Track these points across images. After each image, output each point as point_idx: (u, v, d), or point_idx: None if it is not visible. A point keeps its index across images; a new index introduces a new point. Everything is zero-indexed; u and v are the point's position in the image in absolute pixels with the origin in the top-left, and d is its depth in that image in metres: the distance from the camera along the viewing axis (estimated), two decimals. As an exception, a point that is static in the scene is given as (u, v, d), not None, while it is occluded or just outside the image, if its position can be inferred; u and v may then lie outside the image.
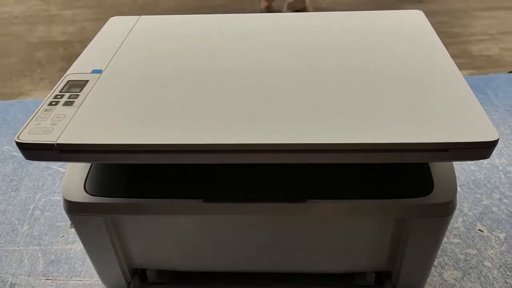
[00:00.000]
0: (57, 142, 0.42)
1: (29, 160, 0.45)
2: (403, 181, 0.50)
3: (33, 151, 0.44)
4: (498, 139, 0.41)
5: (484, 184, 0.76)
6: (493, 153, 0.83)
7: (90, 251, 0.56)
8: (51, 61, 1.93)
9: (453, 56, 0.49)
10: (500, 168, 0.79)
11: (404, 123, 0.43)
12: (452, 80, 0.48)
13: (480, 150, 0.42)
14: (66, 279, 0.63)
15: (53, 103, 0.48)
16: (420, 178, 0.50)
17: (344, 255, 0.57)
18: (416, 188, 0.49)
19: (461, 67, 0.47)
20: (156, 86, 0.50)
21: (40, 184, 0.80)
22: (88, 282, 0.62)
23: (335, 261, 0.58)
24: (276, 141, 0.41)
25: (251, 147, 0.41)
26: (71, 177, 0.52)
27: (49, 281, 0.62)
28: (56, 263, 0.65)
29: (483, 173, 0.78)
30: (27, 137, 0.43)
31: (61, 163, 0.84)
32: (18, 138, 0.43)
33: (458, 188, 0.75)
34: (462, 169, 0.79)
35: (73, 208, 0.51)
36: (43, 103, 0.48)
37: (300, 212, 0.50)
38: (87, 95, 0.48)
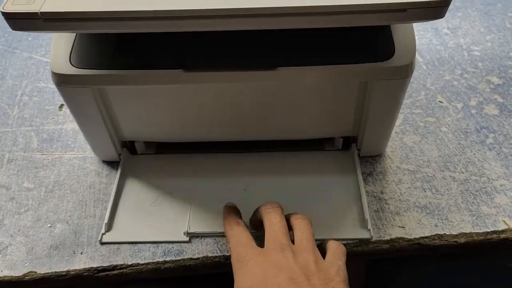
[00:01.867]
0: (41, 10, 0.45)
1: (15, 31, 0.47)
2: (368, 47, 0.54)
3: (19, 21, 0.46)
4: (451, -1, 0.44)
5: (448, 62, 0.81)
6: (459, 33, 0.88)
7: (81, 123, 0.61)
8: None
9: None
10: (464, 47, 0.84)
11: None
12: None
13: (435, 9, 0.45)
14: (61, 153, 0.68)
15: (31, -23, 0.49)
16: (382, 44, 0.54)
17: (316, 122, 0.63)
18: (379, 53, 0.54)
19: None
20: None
21: (25, 72, 0.82)
22: (82, 155, 0.67)
23: (308, 128, 0.64)
24: (237, 6, 0.43)
25: (225, 12, 0.44)
26: (57, 51, 0.55)
27: (44, 155, 0.67)
28: (49, 140, 0.70)
29: (447, 52, 0.83)
30: (12, 8, 0.45)
31: (43, 52, 0.86)
32: (3, 8, 0.45)
33: (423, 66, 0.80)
34: (429, 49, 0.84)
35: (60, 80, 0.54)
36: (21, -23, 0.49)
37: (272, 78, 0.54)
38: (64, -32, 0.50)
